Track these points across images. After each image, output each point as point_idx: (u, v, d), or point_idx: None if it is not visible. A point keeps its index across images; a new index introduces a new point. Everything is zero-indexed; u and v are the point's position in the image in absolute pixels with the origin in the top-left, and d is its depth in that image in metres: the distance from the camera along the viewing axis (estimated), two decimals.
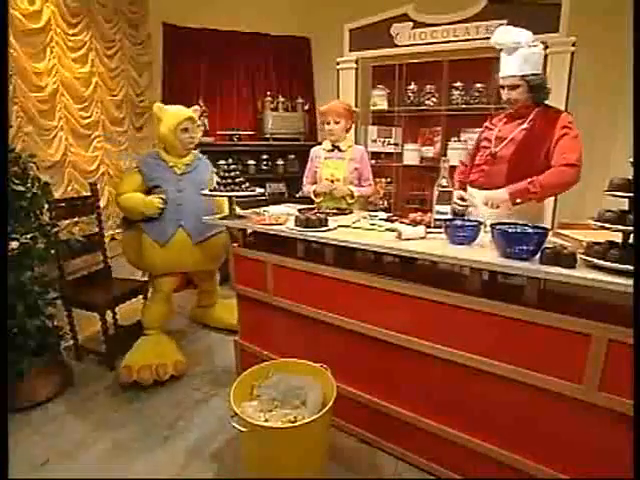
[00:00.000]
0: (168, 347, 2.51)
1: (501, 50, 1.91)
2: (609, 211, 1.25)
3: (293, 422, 1.48)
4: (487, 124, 2.14)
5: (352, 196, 2.51)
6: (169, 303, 2.67)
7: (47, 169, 2.67)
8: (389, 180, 3.77)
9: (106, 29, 3.13)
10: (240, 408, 1.52)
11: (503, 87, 1.93)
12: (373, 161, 3.71)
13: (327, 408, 1.49)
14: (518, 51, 1.83)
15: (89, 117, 3.02)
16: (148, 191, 2.47)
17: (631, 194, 1.19)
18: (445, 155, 3.44)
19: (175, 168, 2.50)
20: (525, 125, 1.93)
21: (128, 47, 3.36)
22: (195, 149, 2.63)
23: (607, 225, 1.21)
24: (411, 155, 3.66)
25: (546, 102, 1.98)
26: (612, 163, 3.18)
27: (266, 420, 1.50)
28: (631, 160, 1.22)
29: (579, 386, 1.31)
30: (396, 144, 3.70)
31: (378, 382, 1.84)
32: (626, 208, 1.23)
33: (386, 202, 3.79)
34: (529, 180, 1.82)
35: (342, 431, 1.98)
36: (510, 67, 1.87)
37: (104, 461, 1.85)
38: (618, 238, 1.27)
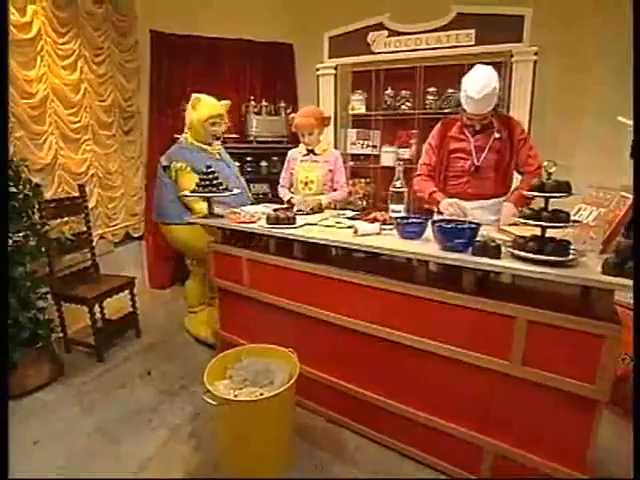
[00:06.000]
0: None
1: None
2: (530, 209, 1.43)
3: None
4: (452, 134, 2.22)
5: (320, 205, 2.48)
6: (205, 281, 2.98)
7: (38, 171, 2.81)
8: (367, 180, 3.95)
9: (94, 37, 3.27)
10: (213, 386, 1.68)
11: (471, 118, 2.08)
12: (352, 162, 3.90)
13: (289, 384, 1.66)
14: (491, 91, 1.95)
15: (78, 122, 3.16)
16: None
17: (545, 194, 1.37)
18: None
19: (211, 151, 2.84)
20: (496, 135, 2.13)
21: (116, 54, 3.49)
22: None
23: (523, 221, 1.39)
24: (388, 157, 3.82)
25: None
26: (576, 168, 3.34)
27: (235, 396, 1.67)
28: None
29: (507, 362, 1.50)
30: (374, 146, 3.87)
31: (342, 366, 2.01)
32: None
33: (365, 202, 3.97)
34: (521, 191, 1.97)
35: (311, 412, 2.16)
36: (484, 106, 2.00)
37: (91, 440, 2.02)
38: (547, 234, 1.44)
